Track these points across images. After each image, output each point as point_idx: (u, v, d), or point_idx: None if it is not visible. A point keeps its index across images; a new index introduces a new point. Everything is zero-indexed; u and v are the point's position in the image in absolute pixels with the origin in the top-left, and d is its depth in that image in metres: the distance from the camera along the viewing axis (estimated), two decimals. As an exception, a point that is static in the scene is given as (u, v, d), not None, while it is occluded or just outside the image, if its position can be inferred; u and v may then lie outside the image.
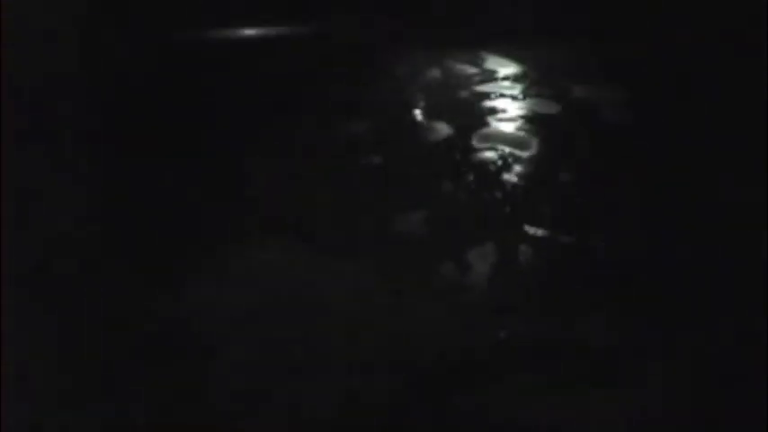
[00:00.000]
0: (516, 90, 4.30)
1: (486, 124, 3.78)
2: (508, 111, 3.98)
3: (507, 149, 3.45)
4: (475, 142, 3.55)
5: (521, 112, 3.96)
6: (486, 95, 4.22)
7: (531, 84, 4.41)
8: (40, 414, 1.97)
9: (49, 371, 2.13)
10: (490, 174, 3.22)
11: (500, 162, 3.32)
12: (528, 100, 4.15)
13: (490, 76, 4.58)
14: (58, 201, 3.08)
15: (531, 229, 2.77)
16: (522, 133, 3.67)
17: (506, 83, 4.46)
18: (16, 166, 3.09)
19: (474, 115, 3.91)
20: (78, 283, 2.53)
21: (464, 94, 4.29)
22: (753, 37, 4.33)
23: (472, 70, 4.73)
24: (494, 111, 3.98)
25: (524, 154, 3.41)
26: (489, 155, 3.41)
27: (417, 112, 4.07)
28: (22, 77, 3.84)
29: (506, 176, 3.19)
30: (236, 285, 2.47)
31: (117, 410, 1.97)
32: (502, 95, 4.22)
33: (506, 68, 4.72)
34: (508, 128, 3.74)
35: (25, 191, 3.05)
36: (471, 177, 3.19)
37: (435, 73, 4.69)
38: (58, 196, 3.11)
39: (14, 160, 3.11)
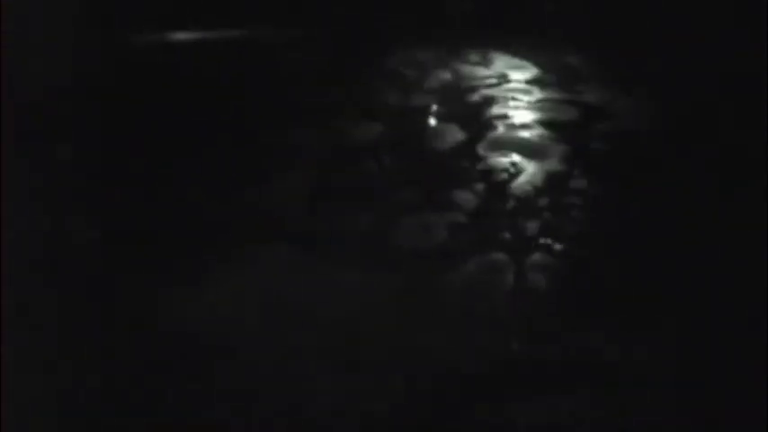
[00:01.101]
0: (528, 95, 4.24)
1: (495, 129, 3.72)
2: (519, 116, 3.92)
3: (518, 156, 3.38)
4: (485, 148, 3.49)
5: (532, 117, 3.89)
6: (497, 99, 4.17)
7: (544, 87, 4.34)
8: (41, 414, 1.95)
9: (49, 372, 2.09)
10: (501, 181, 3.16)
11: (511, 169, 3.25)
12: (540, 104, 4.09)
13: (502, 80, 4.52)
14: (60, 201, 3.05)
15: (543, 240, 2.71)
16: (534, 139, 3.59)
17: (518, 86, 4.40)
18: (16, 167, 3.09)
19: (484, 120, 3.86)
20: (84, 285, 2.49)
21: (475, 97, 4.23)
22: (753, 38, 4.28)
23: (483, 72, 4.68)
24: (505, 116, 3.92)
25: (536, 161, 3.33)
26: (500, 161, 3.34)
27: (428, 116, 4.03)
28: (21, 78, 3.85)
29: (517, 184, 3.12)
30: (240, 293, 2.41)
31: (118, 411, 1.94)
32: (513, 99, 4.16)
33: (518, 72, 4.66)
34: (520, 133, 3.68)
35: (24, 190, 3.04)
36: (482, 185, 3.12)
37: (446, 75, 4.64)
38: (60, 197, 3.09)
39: (14, 160, 3.11)
